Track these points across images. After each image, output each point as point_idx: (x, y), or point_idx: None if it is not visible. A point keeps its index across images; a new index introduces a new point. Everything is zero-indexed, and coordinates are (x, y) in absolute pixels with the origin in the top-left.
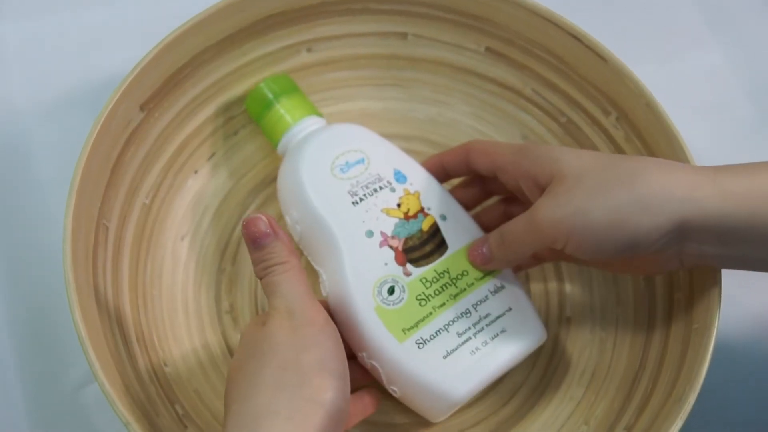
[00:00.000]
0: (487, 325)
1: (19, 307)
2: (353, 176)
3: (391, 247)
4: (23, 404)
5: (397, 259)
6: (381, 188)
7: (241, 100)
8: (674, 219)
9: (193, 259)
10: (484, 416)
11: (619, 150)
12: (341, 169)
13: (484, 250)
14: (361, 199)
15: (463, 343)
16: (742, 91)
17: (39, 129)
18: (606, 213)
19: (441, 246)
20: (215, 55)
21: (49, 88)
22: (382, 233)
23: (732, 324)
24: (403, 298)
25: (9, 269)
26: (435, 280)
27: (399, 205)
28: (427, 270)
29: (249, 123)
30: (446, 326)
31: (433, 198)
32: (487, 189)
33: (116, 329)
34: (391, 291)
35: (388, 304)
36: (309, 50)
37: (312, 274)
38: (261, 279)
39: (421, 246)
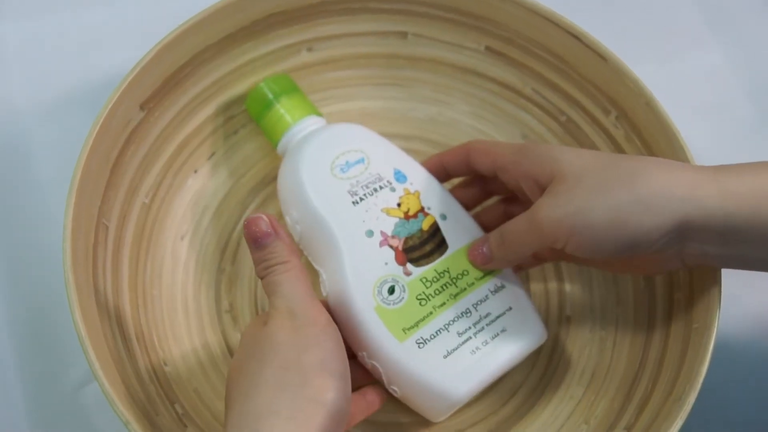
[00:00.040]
0: (487, 325)
1: (19, 307)
2: (353, 176)
3: (391, 246)
4: (23, 404)
5: (397, 258)
6: (381, 188)
7: (241, 99)
8: (675, 218)
9: (193, 259)
10: (484, 416)
11: (619, 149)
12: (341, 169)
13: (485, 249)
14: (361, 199)
15: (464, 342)
16: (742, 90)
17: (39, 129)
18: (606, 212)
19: (441, 245)
20: (215, 54)
21: (49, 88)
22: (382, 233)
23: (732, 324)
24: (403, 298)
25: (9, 269)
26: (435, 279)
27: (399, 205)
28: (427, 269)
29: (249, 122)
30: (446, 326)
31: (434, 197)
32: (488, 189)
33: (116, 329)
34: (392, 291)
35: (389, 304)
36: (309, 49)
37: (312, 274)
38: (262, 279)
39: (422, 245)
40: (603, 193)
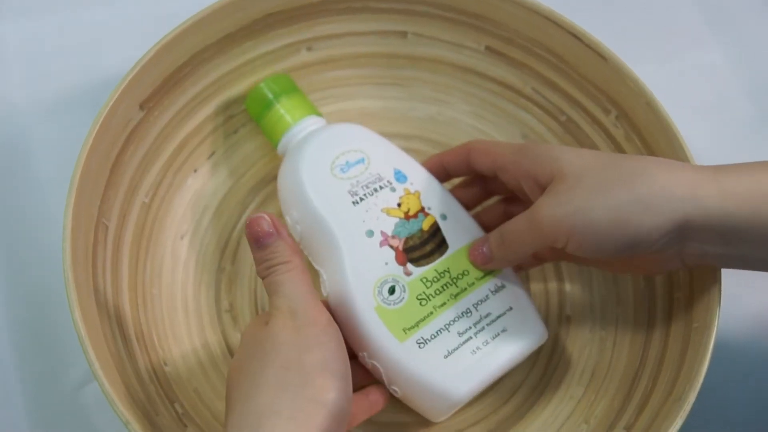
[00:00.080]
0: (487, 325)
1: (18, 307)
2: (353, 176)
3: (391, 246)
4: (23, 403)
5: (397, 258)
6: (381, 188)
7: (241, 98)
8: (676, 218)
9: (193, 258)
10: (484, 415)
11: (618, 149)
12: (341, 169)
13: (485, 249)
14: (361, 199)
15: (464, 342)
16: (742, 90)
17: (39, 128)
18: (607, 212)
19: (441, 245)
20: (215, 53)
21: (49, 87)
22: (382, 233)
23: (732, 323)
24: (403, 298)
25: (8, 268)
26: (435, 279)
27: (399, 205)
28: (427, 269)
29: (249, 121)
30: (447, 326)
31: (434, 197)
32: (488, 189)
33: (116, 328)
34: (392, 291)
35: (389, 304)
36: (309, 49)
37: (313, 274)
38: (263, 279)
39: (422, 245)
40: (603, 193)
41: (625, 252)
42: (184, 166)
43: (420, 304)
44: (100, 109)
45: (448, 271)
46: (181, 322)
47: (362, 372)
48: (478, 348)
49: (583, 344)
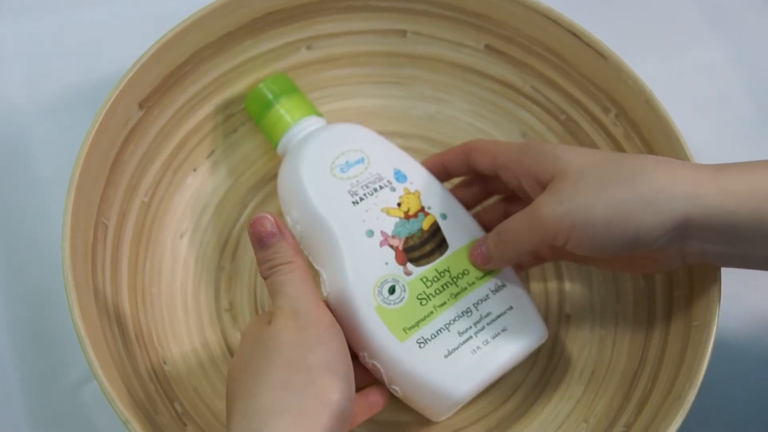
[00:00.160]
0: (488, 324)
1: (18, 306)
2: (353, 176)
3: (391, 246)
4: (23, 403)
5: (397, 258)
6: (381, 188)
7: (240, 97)
8: (677, 216)
9: (193, 257)
10: (484, 414)
11: (618, 147)
12: (341, 169)
13: (483, 249)
14: (361, 199)
15: (464, 342)
16: (742, 88)
17: (38, 127)
18: (608, 209)
19: (441, 245)
20: (215, 52)
21: (49, 87)
22: (382, 233)
23: (732, 322)
24: (403, 298)
25: (8, 268)
26: (436, 279)
27: (399, 205)
28: (427, 269)
29: (248, 120)
30: (447, 325)
31: (434, 197)
32: (488, 188)
33: (115, 327)
34: (392, 290)
35: (389, 304)
36: (309, 48)
37: (313, 274)
38: (266, 279)
39: (422, 245)
40: (604, 191)
41: (626, 250)
42: (183, 165)
43: (420, 303)
44: (100, 108)
45: (448, 271)
46: (181, 321)
47: (363, 372)
48: (478, 347)
49: (582, 343)
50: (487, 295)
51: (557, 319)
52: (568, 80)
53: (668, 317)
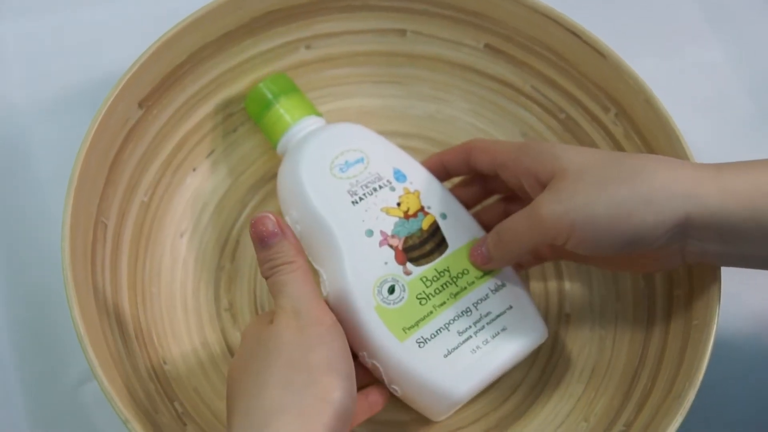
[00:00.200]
0: (487, 324)
1: (18, 306)
2: (353, 175)
3: (391, 246)
4: (23, 402)
5: (397, 258)
6: (380, 187)
7: (240, 97)
8: (677, 215)
9: (192, 257)
10: (484, 413)
11: (618, 146)
12: (340, 169)
13: (483, 249)
14: (360, 199)
15: (464, 341)
16: (742, 88)
17: (38, 127)
18: (608, 208)
19: (441, 245)
20: (214, 52)
21: (48, 87)
22: (381, 232)
23: (731, 321)
24: (403, 297)
25: (8, 267)
26: (435, 278)
27: (399, 204)
28: (427, 269)
29: (248, 120)
30: (447, 325)
31: (433, 196)
32: (488, 187)
33: (115, 327)
34: (392, 290)
35: (389, 304)
36: (308, 47)
37: (313, 274)
38: (267, 278)
39: (421, 245)
40: (604, 190)
41: (626, 249)
42: (183, 164)
43: (420, 303)
44: (99, 108)
45: (448, 270)
46: (181, 320)
47: (362, 372)
48: (478, 347)
49: (582, 342)
50: (486, 295)
51: (557, 318)
52: (568, 79)
53: (668, 316)
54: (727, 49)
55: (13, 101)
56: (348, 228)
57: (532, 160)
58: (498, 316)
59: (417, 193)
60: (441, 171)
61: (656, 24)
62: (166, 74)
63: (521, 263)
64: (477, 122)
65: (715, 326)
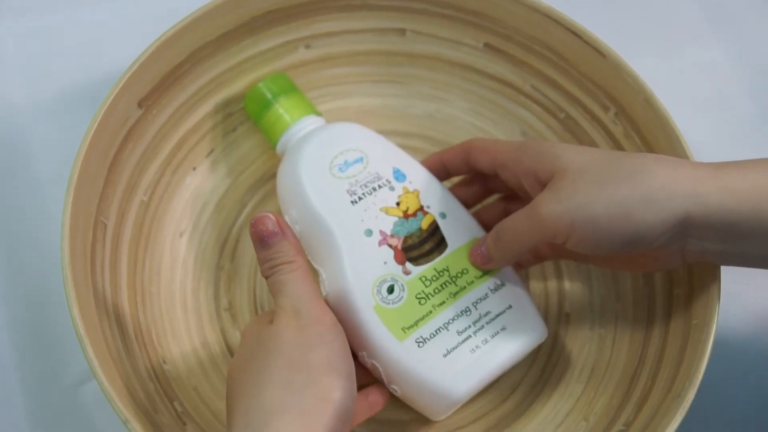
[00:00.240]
0: (487, 323)
1: (17, 306)
2: (352, 175)
3: (390, 245)
4: (22, 402)
5: (396, 257)
6: (380, 187)
7: (239, 96)
8: (677, 214)
9: (192, 256)
10: (484, 412)
11: (617, 146)
12: (340, 168)
13: (483, 249)
14: (360, 198)
15: (464, 341)
16: (742, 87)
17: (37, 126)
18: (608, 207)
19: (440, 244)
20: (214, 51)
21: (48, 86)
22: (381, 232)
23: (731, 320)
24: (402, 297)
25: (7, 267)
26: (435, 278)
27: (398, 204)
28: (426, 268)
29: (247, 119)
30: (446, 325)
31: (433, 196)
32: (488, 187)
33: (115, 327)
34: (391, 290)
35: (388, 303)
36: (307, 47)
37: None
38: (267, 278)
39: (421, 244)
40: (604, 189)
41: (626, 248)
42: (182, 164)
43: (419, 303)
44: (99, 107)
45: (447, 270)
46: (180, 320)
47: (362, 371)
48: (477, 347)
49: (582, 342)
50: (486, 294)
51: (557, 317)
52: (568, 79)
53: (668, 316)
54: (727, 48)
55: (13, 101)
56: (347, 228)
57: (532, 160)
58: (497, 315)
59: (416, 193)
60: (440, 170)
61: (656, 24)
62: (166, 74)
63: (521, 263)
64: (477, 121)
65: (714, 325)
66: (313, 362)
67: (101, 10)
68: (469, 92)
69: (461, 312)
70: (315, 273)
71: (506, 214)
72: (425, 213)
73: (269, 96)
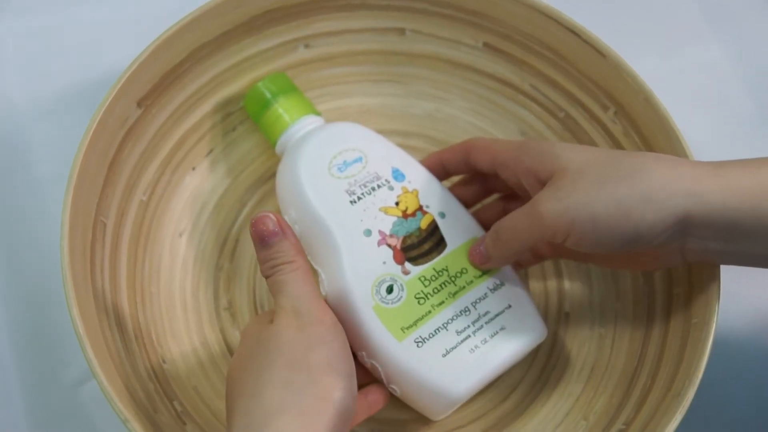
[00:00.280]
0: (486, 323)
1: (17, 305)
2: (351, 175)
3: (389, 245)
4: (22, 402)
5: (395, 257)
6: (379, 186)
7: (239, 96)
8: (677, 213)
9: (191, 256)
10: (483, 412)
11: (617, 145)
12: (339, 168)
13: (482, 248)
14: (359, 198)
15: (463, 341)
16: (742, 86)
17: (37, 126)
18: (608, 206)
19: (440, 244)
20: (213, 51)
21: (47, 86)
22: (380, 232)
23: (731, 319)
24: (401, 297)
25: (7, 267)
26: (434, 278)
27: (397, 204)
28: (425, 268)
29: (247, 119)
30: (445, 324)
31: (432, 196)
32: (487, 186)
33: (114, 326)
34: (390, 290)
35: (387, 303)
36: (306, 46)
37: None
38: (267, 278)
39: (420, 244)
40: (604, 188)
41: (625, 247)
42: (182, 163)
43: (418, 303)
44: (98, 107)
45: (447, 270)
46: (180, 319)
47: (362, 371)
48: (476, 346)
49: (582, 341)
50: (485, 294)
51: (556, 317)
52: (567, 78)
53: (667, 315)
54: (727, 48)
55: (13, 101)
56: (346, 227)
57: (532, 159)
58: (497, 315)
59: (416, 192)
60: (440, 170)
61: (656, 23)
62: (165, 73)
63: (520, 262)
64: (476, 121)
65: (714, 325)
66: (314, 362)
67: (101, 10)
68: (468, 92)
69: (460, 312)
70: (314, 273)
71: (506, 213)
72: (424, 213)
73: (268, 96)
